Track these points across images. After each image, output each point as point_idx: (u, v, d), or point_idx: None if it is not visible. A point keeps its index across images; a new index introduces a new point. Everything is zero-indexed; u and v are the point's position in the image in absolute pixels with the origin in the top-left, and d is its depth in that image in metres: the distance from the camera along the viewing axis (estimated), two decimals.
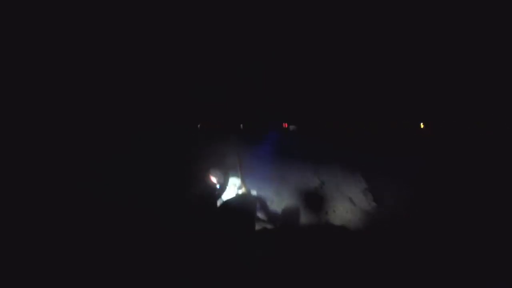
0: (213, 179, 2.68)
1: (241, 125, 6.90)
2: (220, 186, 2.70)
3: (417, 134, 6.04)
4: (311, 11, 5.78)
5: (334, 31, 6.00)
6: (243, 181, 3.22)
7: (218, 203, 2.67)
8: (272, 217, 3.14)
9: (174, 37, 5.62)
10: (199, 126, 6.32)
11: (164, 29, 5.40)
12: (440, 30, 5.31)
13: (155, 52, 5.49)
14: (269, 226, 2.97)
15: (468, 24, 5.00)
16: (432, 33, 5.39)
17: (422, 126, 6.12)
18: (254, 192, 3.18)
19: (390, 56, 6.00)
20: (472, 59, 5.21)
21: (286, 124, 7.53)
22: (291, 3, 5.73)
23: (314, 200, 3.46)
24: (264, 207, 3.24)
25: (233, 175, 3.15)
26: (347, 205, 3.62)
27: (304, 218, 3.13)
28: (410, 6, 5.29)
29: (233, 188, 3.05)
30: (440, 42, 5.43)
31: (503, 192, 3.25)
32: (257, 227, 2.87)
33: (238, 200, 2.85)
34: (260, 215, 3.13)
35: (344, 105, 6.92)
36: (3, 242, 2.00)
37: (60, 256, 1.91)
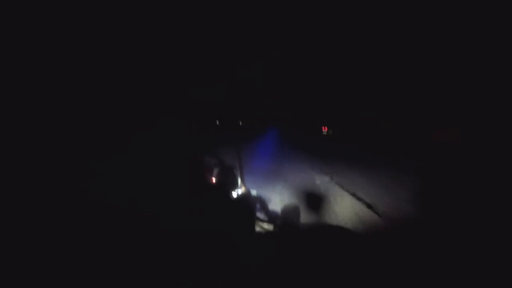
0: (213, 179, 2.68)
1: (240, 123, 6.92)
2: (219, 186, 2.70)
3: (420, 137, 6.05)
4: (311, 12, 5.78)
5: (334, 32, 6.01)
6: (243, 181, 3.21)
7: (218, 202, 2.66)
8: (272, 217, 3.14)
9: (175, 38, 5.62)
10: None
11: (164, 30, 5.40)
12: (441, 31, 5.32)
13: (155, 52, 5.49)
14: (269, 226, 2.97)
15: (468, 25, 5.00)
16: (433, 34, 5.39)
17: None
18: (254, 192, 3.18)
19: (390, 57, 6.00)
20: (472, 60, 5.21)
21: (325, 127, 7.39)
22: (291, 4, 5.73)
23: (314, 200, 3.46)
24: (264, 207, 3.23)
25: (233, 175, 3.14)
26: (348, 205, 3.62)
27: (304, 218, 3.12)
28: (409, 9, 5.31)
29: (233, 188, 3.05)
30: (441, 43, 5.44)
31: (503, 192, 3.25)
32: (257, 227, 2.87)
33: (238, 200, 2.84)
34: (260, 215, 3.13)
35: (344, 105, 6.93)
36: (3, 242, 2.00)
37: (60, 256, 1.91)
